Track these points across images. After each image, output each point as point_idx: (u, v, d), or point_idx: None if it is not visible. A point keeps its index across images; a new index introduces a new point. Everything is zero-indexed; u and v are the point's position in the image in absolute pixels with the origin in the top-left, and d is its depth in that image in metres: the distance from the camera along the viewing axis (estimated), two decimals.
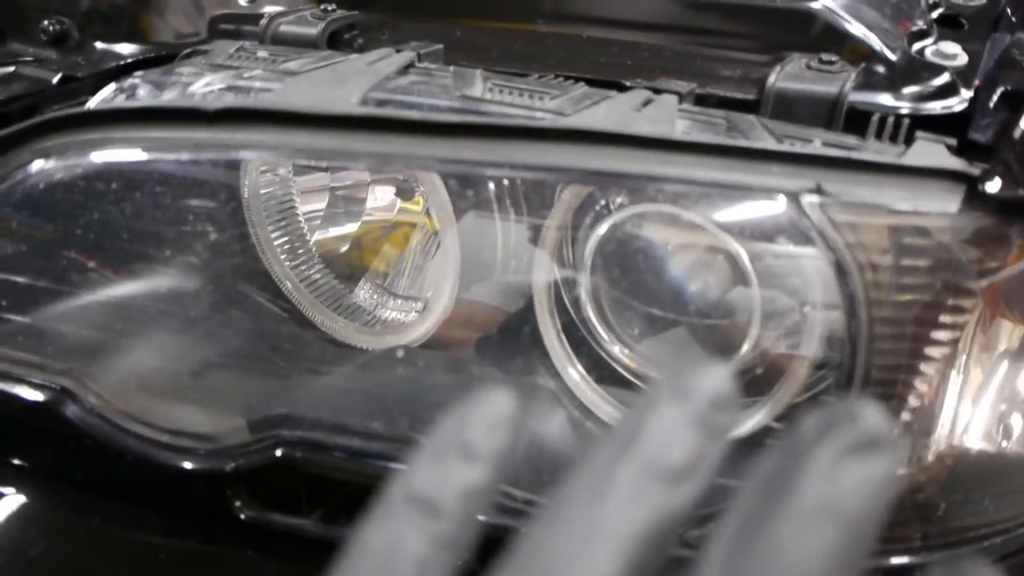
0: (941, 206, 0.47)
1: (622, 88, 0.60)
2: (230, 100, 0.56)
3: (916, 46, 0.63)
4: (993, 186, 0.48)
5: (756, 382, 0.57)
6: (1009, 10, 0.68)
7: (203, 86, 0.60)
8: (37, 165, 0.57)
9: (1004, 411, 0.58)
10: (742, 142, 0.49)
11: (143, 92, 0.60)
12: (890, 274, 0.48)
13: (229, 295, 0.66)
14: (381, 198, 0.73)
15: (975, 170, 0.48)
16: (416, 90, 0.57)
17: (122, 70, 0.67)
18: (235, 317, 0.66)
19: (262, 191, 0.67)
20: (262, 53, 0.63)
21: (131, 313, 0.65)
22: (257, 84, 0.59)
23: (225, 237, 0.65)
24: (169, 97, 0.60)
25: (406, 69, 0.60)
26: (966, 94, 0.59)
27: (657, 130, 0.50)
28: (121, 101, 0.60)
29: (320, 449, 0.58)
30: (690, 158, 0.48)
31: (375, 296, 0.74)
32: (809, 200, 0.46)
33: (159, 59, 0.68)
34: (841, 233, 0.47)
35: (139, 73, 0.63)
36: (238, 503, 0.60)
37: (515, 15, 0.70)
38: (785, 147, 0.49)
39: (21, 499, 0.67)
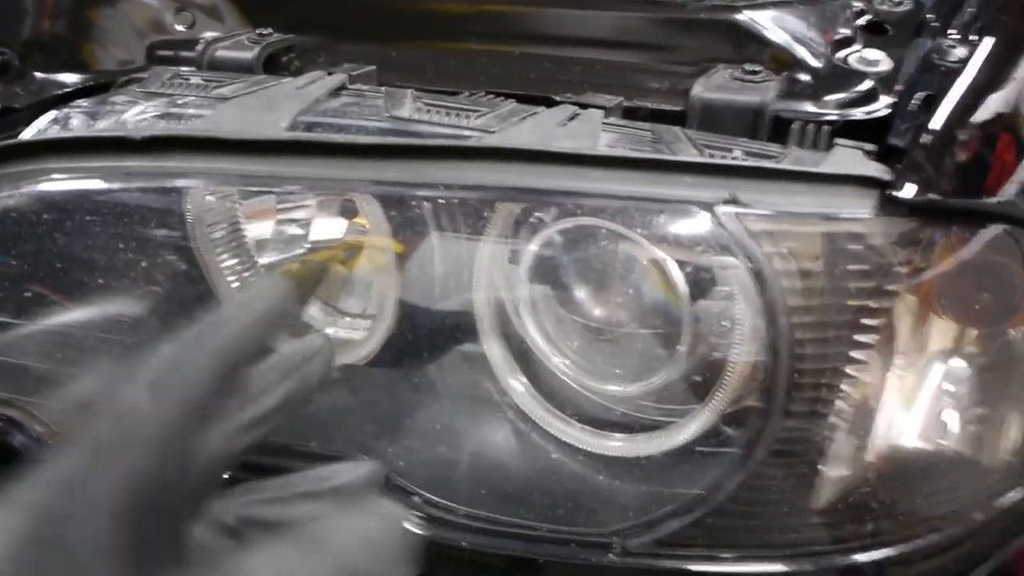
0: (855, 211, 0.48)
1: (552, 103, 0.61)
2: (160, 128, 0.57)
3: (840, 53, 0.64)
4: (907, 190, 0.49)
5: (693, 389, 0.58)
6: (932, 15, 0.70)
7: (136, 114, 0.60)
8: None
9: (939, 409, 0.59)
10: (657, 155, 0.50)
11: (76, 122, 0.61)
12: (811, 280, 0.49)
13: (174, 320, 0.66)
14: (327, 218, 0.73)
15: (888, 175, 0.49)
16: (346, 112, 0.58)
17: (60, 99, 0.67)
18: None
19: (207, 215, 0.67)
20: (196, 79, 0.63)
21: (76, 341, 0.65)
22: (190, 111, 0.60)
23: (169, 263, 0.65)
24: (103, 126, 0.61)
25: (337, 91, 0.61)
26: (888, 100, 0.60)
27: (577, 145, 0.51)
28: (55, 132, 0.61)
29: (261, 471, 0.58)
30: (609, 172, 0.49)
31: (326, 316, 0.74)
32: (724, 210, 0.47)
33: (96, 87, 0.69)
34: (759, 242, 0.48)
35: (75, 103, 0.63)
36: None
37: (449, 35, 0.70)
38: (700, 158, 0.50)
39: None
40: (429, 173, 0.50)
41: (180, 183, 0.57)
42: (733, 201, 0.47)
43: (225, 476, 0.60)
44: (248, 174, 0.54)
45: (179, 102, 0.61)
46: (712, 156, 0.52)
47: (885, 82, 0.61)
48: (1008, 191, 0.52)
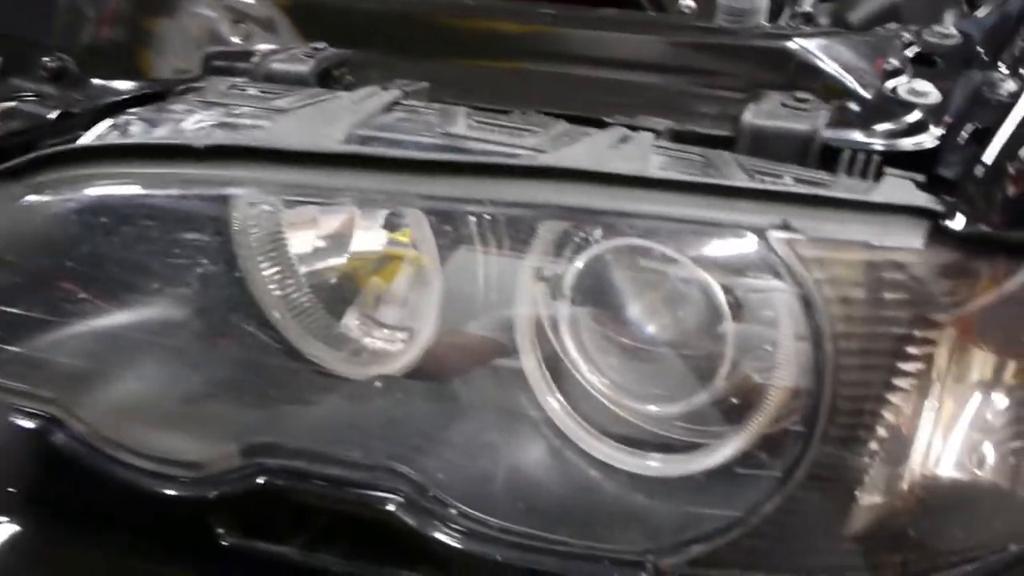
0: (905, 242, 0.48)
1: (603, 125, 0.62)
2: (219, 137, 0.58)
3: (890, 84, 0.65)
4: (957, 222, 0.49)
5: (732, 410, 0.58)
6: (982, 49, 0.70)
7: (195, 123, 0.61)
8: (31, 199, 0.59)
9: (977, 440, 0.59)
10: (711, 179, 0.50)
11: (136, 128, 0.62)
12: (858, 307, 0.50)
13: (217, 325, 0.67)
14: (370, 230, 0.74)
15: (940, 206, 0.49)
16: (401, 127, 0.59)
17: (117, 106, 0.69)
18: (222, 347, 0.67)
19: (251, 224, 0.68)
20: (253, 90, 0.65)
21: (119, 343, 0.66)
22: (247, 121, 0.61)
23: (214, 269, 0.66)
24: (161, 133, 0.62)
25: (392, 106, 0.62)
26: (937, 131, 0.61)
27: (631, 167, 0.51)
28: (115, 137, 0.62)
29: (301, 477, 0.59)
30: (662, 194, 0.49)
31: (362, 326, 0.75)
32: (776, 236, 0.48)
33: (153, 95, 0.70)
34: (808, 268, 0.49)
35: (133, 110, 0.65)
36: (220, 530, 0.61)
37: (501, 54, 0.72)
38: (753, 183, 0.50)
39: (8, 525, 0.68)
40: (482, 190, 0.51)
41: (235, 191, 0.58)
42: (785, 227, 0.48)
43: (261, 481, 0.61)
44: (302, 185, 0.55)
45: (236, 112, 0.62)
46: (763, 182, 0.53)
47: (934, 114, 0.62)
48: None
